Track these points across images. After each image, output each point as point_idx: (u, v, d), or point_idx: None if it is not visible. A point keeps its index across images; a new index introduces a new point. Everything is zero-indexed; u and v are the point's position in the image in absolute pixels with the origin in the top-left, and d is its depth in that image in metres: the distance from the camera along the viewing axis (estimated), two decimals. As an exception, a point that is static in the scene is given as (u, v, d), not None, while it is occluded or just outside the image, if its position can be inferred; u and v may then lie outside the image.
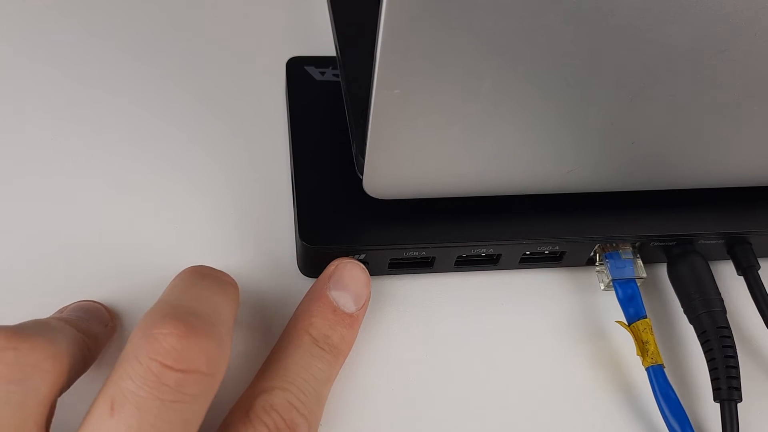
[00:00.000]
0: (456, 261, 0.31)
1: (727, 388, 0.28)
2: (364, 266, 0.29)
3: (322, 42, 0.37)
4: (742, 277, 0.32)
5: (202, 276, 0.25)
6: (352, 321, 0.28)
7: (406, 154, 0.27)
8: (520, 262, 0.32)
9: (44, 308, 0.29)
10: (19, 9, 0.38)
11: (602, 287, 0.32)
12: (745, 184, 0.32)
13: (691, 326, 0.30)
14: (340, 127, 0.31)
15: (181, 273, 0.26)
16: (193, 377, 0.21)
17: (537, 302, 0.32)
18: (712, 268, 0.31)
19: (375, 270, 0.30)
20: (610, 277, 0.31)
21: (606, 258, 0.31)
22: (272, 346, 0.28)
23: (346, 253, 0.29)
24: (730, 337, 0.29)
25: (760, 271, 0.31)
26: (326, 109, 0.33)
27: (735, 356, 0.29)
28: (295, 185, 0.31)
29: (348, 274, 0.28)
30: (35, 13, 0.38)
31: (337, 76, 0.34)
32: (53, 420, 0.22)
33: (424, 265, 0.31)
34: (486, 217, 0.30)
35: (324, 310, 0.27)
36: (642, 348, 0.29)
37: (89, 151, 0.33)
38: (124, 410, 0.20)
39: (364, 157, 0.27)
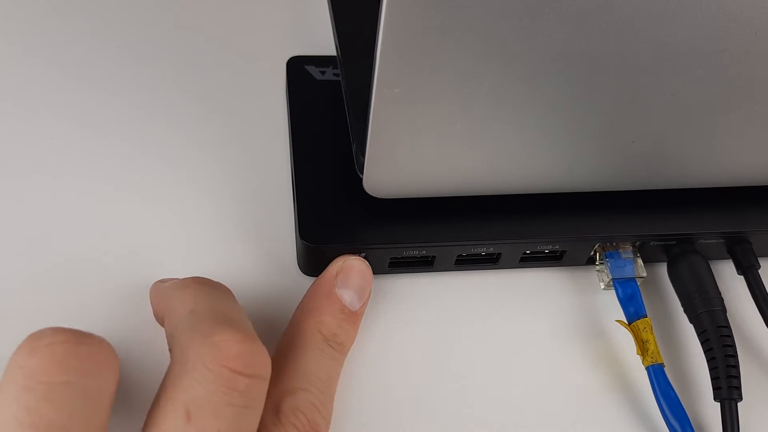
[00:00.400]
0: (456, 260, 0.31)
1: (727, 388, 0.28)
2: (368, 263, 0.29)
3: (322, 42, 0.37)
4: (742, 277, 0.32)
5: (212, 286, 0.25)
6: (356, 318, 0.28)
7: (406, 154, 0.27)
8: (520, 261, 0.32)
9: (45, 308, 0.29)
10: (19, 9, 0.38)
11: (602, 286, 0.32)
12: (745, 184, 0.32)
13: (691, 325, 0.30)
14: (340, 126, 0.31)
15: (187, 283, 0.25)
16: (257, 381, 0.22)
17: (537, 301, 0.32)
18: (712, 267, 0.31)
19: (375, 269, 0.30)
20: (610, 277, 0.31)
21: (606, 257, 0.31)
22: (273, 345, 0.28)
23: (347, 253, 0.29)
24: (730, 336, 0.29)
25: (760, 271, 0.31)
26: (326, 108, 0.33)
27: (735, 355, 0.29)
28: (295, 185, 0.31)
29: (355, 272, 0.29)
30: (35, 12, 0.38)
31: (337, 75, 0.34)
32: None
33: (424, 264, 0.31)
34: (486, 216, 0.30)
35: (333, 309, 0.28)
36: (642, 347, 0.29)
37: (89, 152, 0.33)
38: (201, 417, 0.21)
39: (364, 156, 0.27)
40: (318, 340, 0.27)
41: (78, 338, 0.21)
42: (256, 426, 0.23)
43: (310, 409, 0.25)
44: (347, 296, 0.28)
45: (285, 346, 0.27)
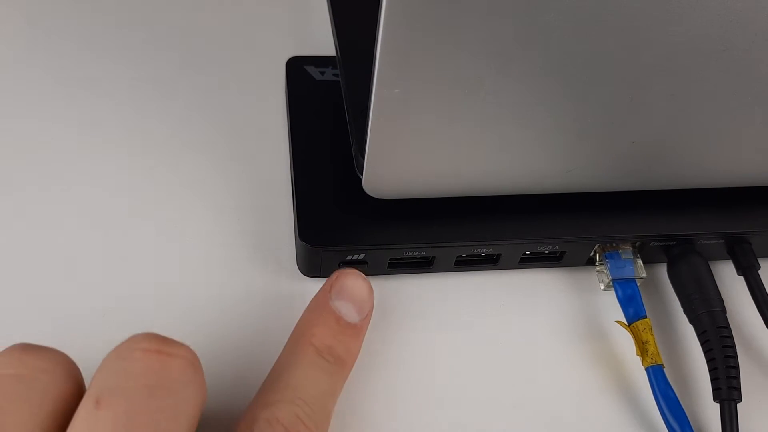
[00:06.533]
0: (456, 261, 0.31)
1: (727, 388, 0.28)
2: (365, 276, 0.28)
3: (322, 42, 0.37)
4: (742, 277, 0.32)
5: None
6: (356, 331, 0.27)
7: (406, 154, 0.27)
8: (519, 261, 0.32)
9: (37, 311, 0.29)
10: (17, 9, 0.38)
11: (602, 287, 0.32)
12: (745, 184, 0.32)
13: (691, 326, 0.30)
14: (340, 126, 0.31)
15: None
16: (175, 360, 0.21)
17: (537, 302, 0.32)
18: (712, 267, 0.31)
19: (374, 270, 0.30)
20: (610, 277, 0.31)
21: (606, 258, 0.31)
22: (271, 346, 0.28)
23: (346, 253, 0.29)
24: (730, 337, 0.29)
25: (760, 271, 0.31)
26: (326, 108, 0.33)
27: (735, 356, 0.29)
28: (295, 185, 0.31)
29: (350, 284, 0.28)
30: (33, 13, 0.38)
31: (337, 75, 0.34)
32: None
33: (423, 265, 0.31)
34: (486, 217, 0.30)
35: (327, 320, 0.27)
36: (642, 348, 0.29)
37: (87, 153, 0.33)
38: (110, 401, 0.20)
39: (363, 157, 0.27)
40: (309, 353, 0.26)
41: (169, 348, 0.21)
42: (187, 410, 0.21)
43: (293, 420, 0.23)
44: (344, 309, 0.27)
45: (277, 364, 0.26)
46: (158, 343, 0.21)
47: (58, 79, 0.36)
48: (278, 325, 0.29)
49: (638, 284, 0.31)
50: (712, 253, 0.32)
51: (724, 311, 0.30)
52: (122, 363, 0.21)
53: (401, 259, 0.30)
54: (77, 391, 0.21)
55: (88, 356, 0.28)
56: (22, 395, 0.20)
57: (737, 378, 0.28)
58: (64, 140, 0.34)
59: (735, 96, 0.26)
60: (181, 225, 0.32)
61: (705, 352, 0.29)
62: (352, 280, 0.28)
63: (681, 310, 0.31)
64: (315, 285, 0.31)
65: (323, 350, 0.26)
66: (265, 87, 0.36)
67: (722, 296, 0.30)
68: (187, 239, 0.31)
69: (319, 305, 0.27)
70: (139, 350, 0.21)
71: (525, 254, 0.31)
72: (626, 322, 0.30)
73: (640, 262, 0.31)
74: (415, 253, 0.30)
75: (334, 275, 0.28)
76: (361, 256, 0.30)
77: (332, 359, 0.26)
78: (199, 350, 0.28)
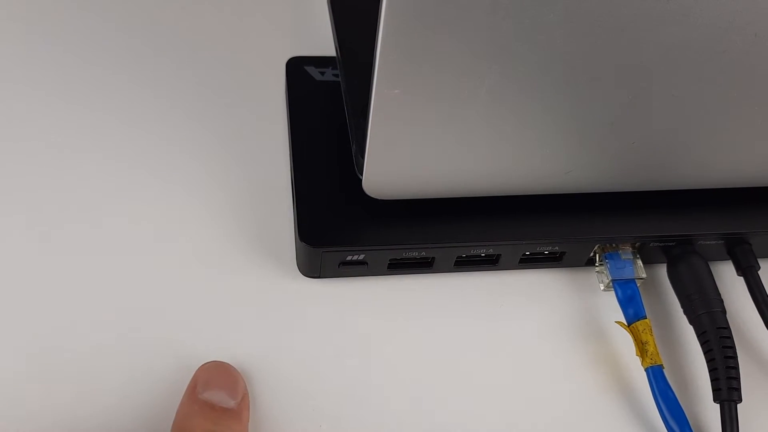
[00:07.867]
0: (456, 261, 0.31)
1: (727, 389, 0.28)
2: (228, 363, 0.28)
3: (322, 42, 0.37)
4: (741, 278, 0.32)
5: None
6: (236, 414, 0.26)
7: (406, 154, 0.27)
8: (519, 262, 0.32)
9: (38, 303, 0.29)
10: (16, 12, 0.38)
11: (602, 288, 0.32)
12: (745, 185, 0.32)
13: (690, 327, 0.30)
14: (340, 127, 0.31)
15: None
16: None
17: (536, 302, 0.32)
18: (711, 268, 0.31)
19: (374, 270, 0.30)
20: (610, 278, 0.31)
21: (606, 258, 0.31)
22: (272, 346, 0.28)
23: (346, 254, 0.29)
24: (730, 337, 0.29)
25: (759, 272, 0.31)
26: (326, 109, 0.33)
27: (735, 357, 0.29)
28: (295, 185, 0.31)
29: (214, 375, 0.27)
30: (31, 16, 0.38)
31: (337, 76, 0.34)
32: None
33: (423, 265, 0.31)
34: (486, 217, 0.30)
35: (202, 410, 0.26)
36: (641, 348, 0.29)
37: (86, 153, 0.33)
38: None
39: (363, 157, 0.27)
40: None
41: None
42: None
43: None
44: (216, 397, 0.26)
45: None
46: None
47: (57, 82, 0.36)
48: (278, 326, 0.29)
49: (638, 285, 0.31)
50: (712, 254, 0.32)
51: (724, 312, 0.30)
52: None
53: (401, 259, 0.30)
54: None
55: (87, 356, 0.28)
56: None
57: (737, 378, 0.28)
58: (63, 142, 0.33)
59: (735, 96, 0.26)
60: (181, 226, 0.32)
61: (705, 353, 0.29)
62: (215, 370, 0.27)
63: (681, 310, 0.31)
64: (315, 285, 0.31)
65: None
66: (265, 87, 0.36)
67: (722, 296, 0.30)
68: (187, 240, 0.31)
69: (190, 400, 0.26)
70: None
71: (525, 254, 0.31)
72: (626, 323, 0.30)
73: (639, 262, 0.31)
74: (415, 254, 0.30)
75: (196, 372, 0.27)
76: (361, 257, 0.30)
77: None
78: (199, 351, 0.29)
